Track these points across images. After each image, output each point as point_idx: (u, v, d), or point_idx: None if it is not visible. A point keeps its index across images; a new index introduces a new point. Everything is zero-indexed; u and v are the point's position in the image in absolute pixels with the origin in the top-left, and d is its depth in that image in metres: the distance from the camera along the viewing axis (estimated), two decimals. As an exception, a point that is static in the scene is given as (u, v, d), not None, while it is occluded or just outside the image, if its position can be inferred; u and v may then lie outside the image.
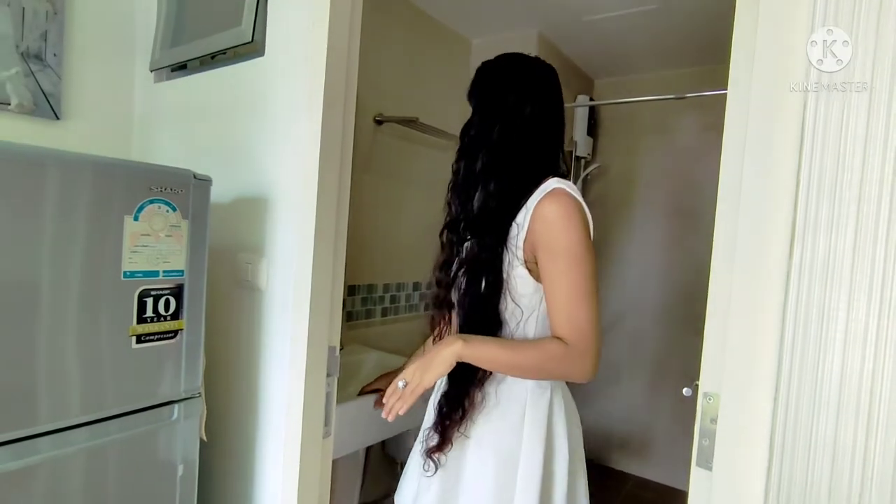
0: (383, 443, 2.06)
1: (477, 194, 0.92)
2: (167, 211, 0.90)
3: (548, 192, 0.84)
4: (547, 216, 0.82)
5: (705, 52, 2.24)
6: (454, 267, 0.96)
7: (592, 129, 2.77)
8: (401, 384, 0.86)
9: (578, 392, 1.12)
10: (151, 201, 0.88)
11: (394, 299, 2.23)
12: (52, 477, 0.79)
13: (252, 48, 1.14)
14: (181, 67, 1.36)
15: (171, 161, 1.34)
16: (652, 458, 2.74)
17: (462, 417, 0.90)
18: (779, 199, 0.50)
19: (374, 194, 2.05)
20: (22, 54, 1.23)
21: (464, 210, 0.95)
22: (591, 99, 2.76)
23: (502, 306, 0.88)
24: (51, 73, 1.27)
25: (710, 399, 0.68)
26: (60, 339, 0.79)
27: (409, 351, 2.22)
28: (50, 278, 0.77)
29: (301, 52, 1.03)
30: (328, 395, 1.08)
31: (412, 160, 2.21)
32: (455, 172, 0.98)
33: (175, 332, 0.92)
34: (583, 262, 0.81)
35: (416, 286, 2.34)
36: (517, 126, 0.90)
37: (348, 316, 2.02)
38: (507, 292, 0.88)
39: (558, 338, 0.81)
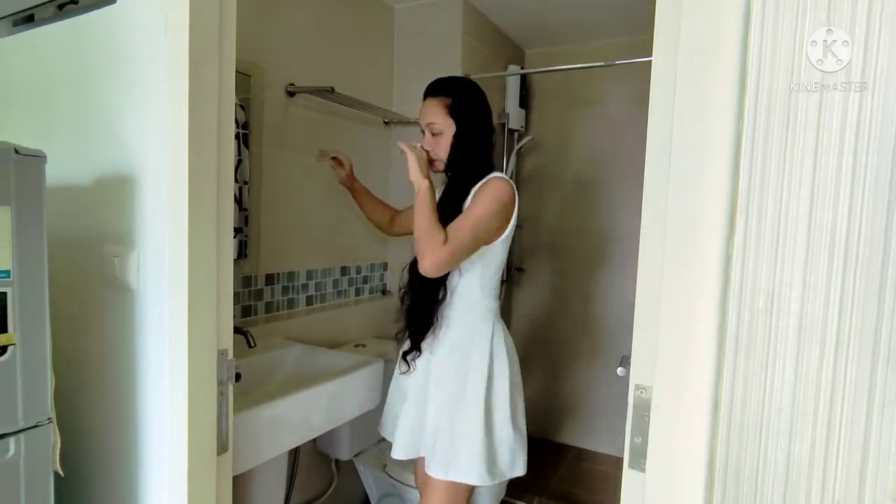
0: (314, 441, 1.92)
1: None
2: (-22, 197, 0.70)
3: (486, 180, 1.26)
4: (477, 192, 1.25)
5: (638, 21, 2.19)
6: None
7: (524, 100, 2.68)
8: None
9: (527, 367, 1.24)
10: (-49, 185, 0.68)
11: (319, 286, 2.07)
12: None
13: (103, -6, 0.93)
14: (28, 20, 1.12)
15: (21, 137, 1.11)
16: (594, 430, 2.76)
17: (426, 329, 1.30)
18: (716, 164, 0.41)
19: (289, 172, 1.86)
20: None
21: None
22: (522, 68, 2.66)
23: None
24: None
25: (642, 392, 0.59)
26: None
27: (339, 340, 2.08)
28: None
29: (158, 3, 0.84)
30: (221, 405, 0.93)
31: (331, 133, 2.03)
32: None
33: (3, 349, 0.74)
34: (483, 216, 1.20)
35: (344, 270, 2.19)
36: (482, 137, 1.33)
37: (267, 307, 1.84)
38: None
39: (444, 230, 1.19)
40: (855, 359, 0.34)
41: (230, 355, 0.95)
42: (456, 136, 1.26)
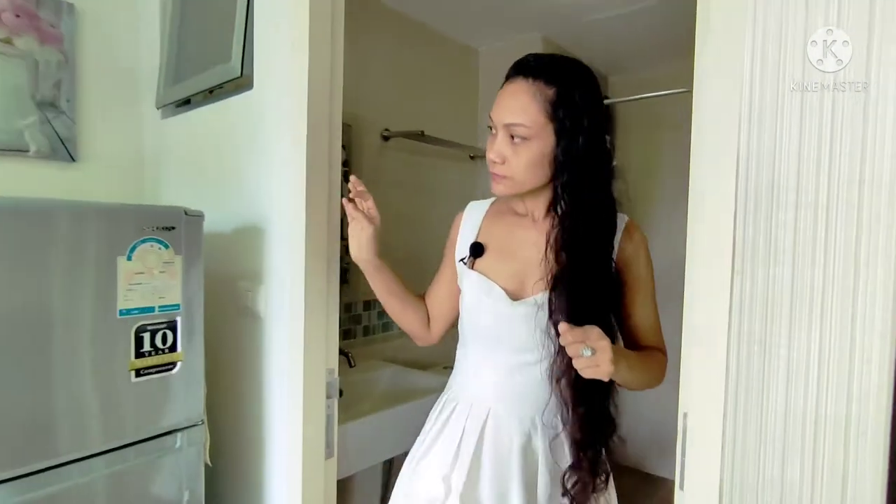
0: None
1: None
2: (160, 248, 0.94)
3: (625, 226, 0.90)
4: (640, 243, 0.90)
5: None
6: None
7: (608, 127, 2.71)
8: (587, 353, 0.71)
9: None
10: (143, 241, 0.92)
11: (412, 311, 2.24)
12: (62, 507, 0.84)
13: (242, 82, 1.18)
14: (186, 103, 1.41)
15: (179, 194, 1.40)
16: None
17: (605, 481, 0.89)
18: (722, 220, 0.48)
19: (385, 208, 2.07)
20: (38, 103, 1.31)
21: None
22: (606, 97, 2.70)
23: None
24: (65, 118, 1.35)
25: (685, 417, 0.66)
26: (61, 377, 0.84)
27: (425, 362, 2.23)
28: (51, 320, 0.82)
29: (284, 84, 1.06)
30: (328, 417, 1.10)
31: (420, 171, 2.23)
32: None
33: (173, 364, 0.96)
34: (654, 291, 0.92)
35: (433, 297, 2.35)
36: (603, 155, 0.87)
37: (364, 331, 2.05)
38: None
39: (657, 349, 0.91)
40: (834, 400, 0.39)
41: (336, 374, 1.12)
42: (566, 153, 0.81)
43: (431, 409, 1.04)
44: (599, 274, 0.82)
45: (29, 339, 0.80)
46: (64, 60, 1.35)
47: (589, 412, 0.83)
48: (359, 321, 2.03)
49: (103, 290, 0.87)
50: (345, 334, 1.97)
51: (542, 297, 0.84)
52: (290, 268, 1.06)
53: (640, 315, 0.89)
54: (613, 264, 0.85)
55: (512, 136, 0.82)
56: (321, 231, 1.06)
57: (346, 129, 1.91)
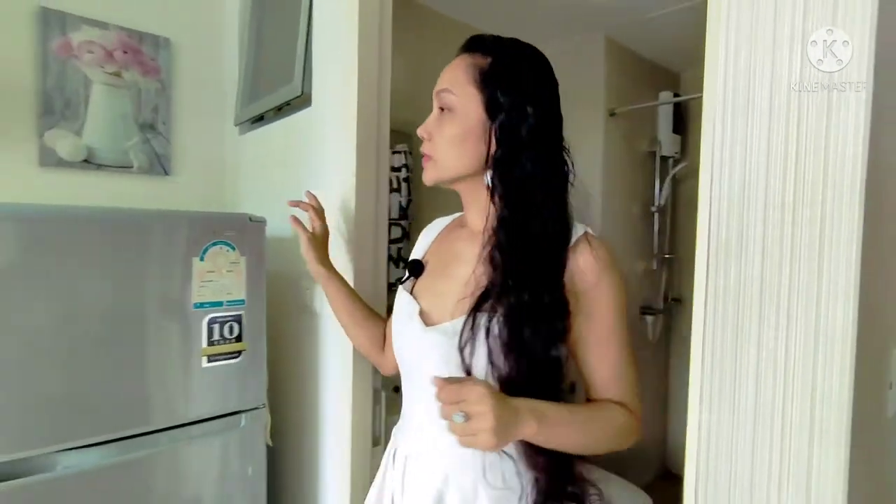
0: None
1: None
2: (227, 250, 1.07)
3: (581, 237, 0.69)
4: (601, 262, 0.67)
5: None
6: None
7: (679, 125, 2.60)
8: (458, 419, 0.56)
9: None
10: (214, 244, 1.05)
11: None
12: (144, 474, 0.99)
13: (303, 100, 1.30)
14: (259, 119, 1.58)
15: (251, 202, 1.56)
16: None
17: None
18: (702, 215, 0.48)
19: (445, 210, 2.15)
20: (140, 126, 1.53)
21: None
22: (677, 94, 2.59)
23: None
24: (161, 138, 1.56)
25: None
26: (151, 360, 0.98)
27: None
28: (142, 311, 0.97)
29: (337, 101, 1.16)
30: (375, 408, 1.18)
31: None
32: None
33: (239, 353, 1.09)
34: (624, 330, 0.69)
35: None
36: (552, 144, 0.72)
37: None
38: None
39: (616, 403, 0.68)
40: (800, 394, 0.38)
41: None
42: (497, 134, 0.69)
43: None
44: (535, 296, 0.62)
45: (126, 327, 0.96)
46: (161, 88, 1.56)
47: (547, 472, 0.66)
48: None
49: (181, 286, 1.02)
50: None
51: (459, 322, 0.68)
52: (341, 268, 1.16)
53: (592, 360, 0.68)
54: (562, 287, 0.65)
55: (441, 109, 0.74)
56: (368, 235, 1.15)
57: (407, 138, 2.01)
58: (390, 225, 1.95)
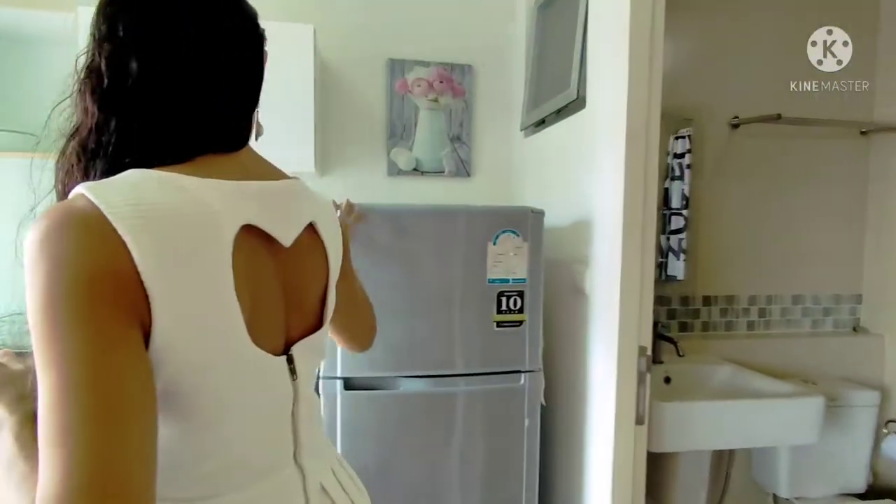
0: (750, 469, 1.93)
1: None
2: (514, 237, 1.30)
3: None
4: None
5: None
6: None
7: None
8: None
9: None
10: (504, 231, 1.29)
11: (763, 312, 2.06)
12: (448, 406, 1.30)
13: (578, 104, 1.43)
14: (541, 123, 1.79)
15: (532, 196, 1.78)
16: None
17: None
18: None
19: (731, 199, 1.98)
20: (450, 138, 1.92)
21: None
22: None
23: None
24: (465, 147, 1.93)
25: None
26: (456, 321, 1.29)
27: (782, 371, 1.99)
28: (448, 284, 1.28)
29: (608, 103, 1.26)
30: (640, 387, 1.24)
31: (781, 157, 2.00)
32: None
33: (520, 322, 1.31)
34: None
35: (796, 299, 2.08)
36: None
37: (703, 326, 2.02)
38: None
39: None
40: None
41: (648, 352, 1.25)
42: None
43: None
44: None
45: (446, 294, 1.28)
46: (465, 106, 1.92)
47: None
48: (696, 315, 2.02)
49: (480, 265, 1.29)
50: (681, 327, 2.00)
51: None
52: (608, 253, 1.26)
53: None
54: None
55: None
56: (636, 226, 1.21)
57: (686, 122, 1.93)
58: (671, 215, 1.92)
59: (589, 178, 1.38)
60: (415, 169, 1.91)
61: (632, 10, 1.17)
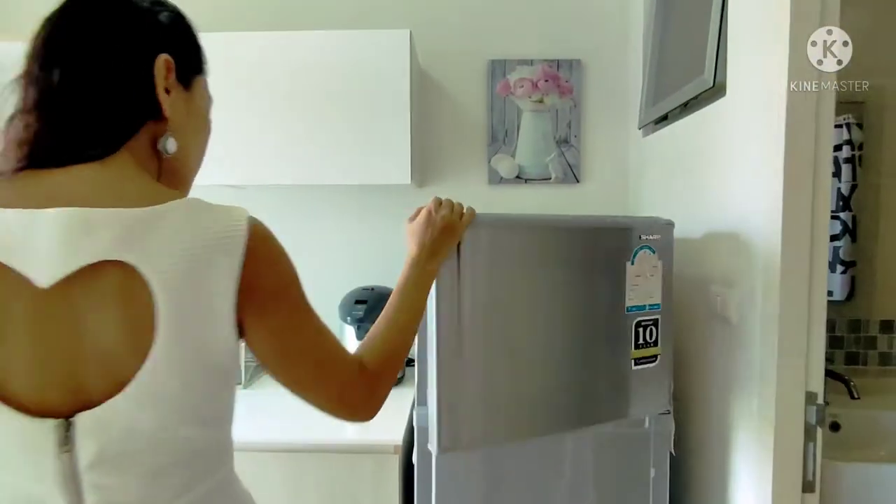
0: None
1: None
2: (650, 254, 1.09)
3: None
4: None
5: None
6: None
7: None
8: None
9: None
10: (641, 248, 1.08)
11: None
12: (560, 453, 1.12)
13: (716, 91, 1.19)
14: (663, 119, 1.55)
15: (654, 204, 1.55)
16: None
17: None
18: None
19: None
20: (556, 141, 1.75)
21: None
22: None
23: None
24: (573, 150, 1.74)
25: None
26: (591, 363, 1.05)
27: None
28: (580, 316, 1.05)
29: (757, 86, 1.01)
30: (808, 445, 0.97)
31: None
32: None
33: (655, 357, 1.09)
34: None
35: None
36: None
37: (882, 359, 1.62)
38: None
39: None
40: None
41: (820, 399, 0.97)
42: None
43: None
44: None
45: (576, 334, 1.04)
46: (573, 105, 1.74)
47: None
48: (872, 345, 1.63)
49: (616, 290, 1.05)
50: (849, 359, 1.62)
51: None
52: (762, 273, 1.01)
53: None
54: None
55: None
56: (800, 237, 0.95)
57: (857, 107, 1.58)
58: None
59: (729, 180, 1.13)
60: (518, 176, 1.76)
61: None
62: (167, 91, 0.58)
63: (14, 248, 0.48)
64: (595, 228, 1.07)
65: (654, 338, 1.07)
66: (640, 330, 1.06)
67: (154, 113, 0.58)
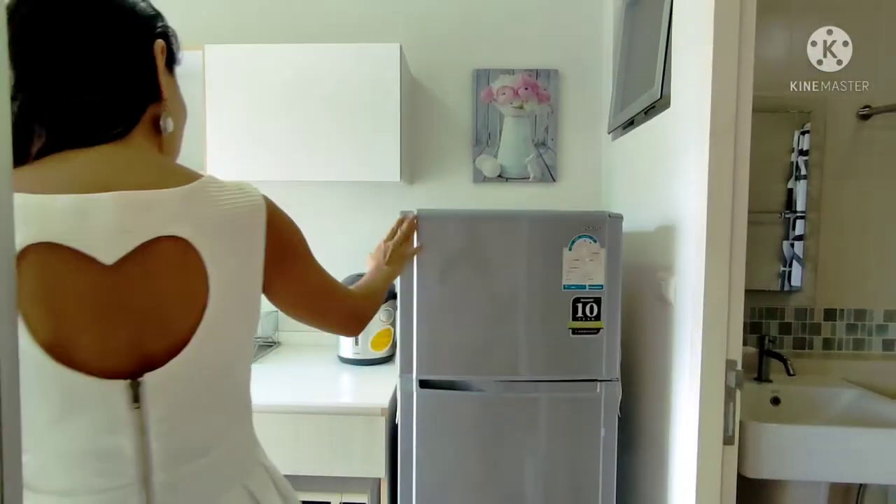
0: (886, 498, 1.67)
1: None
2: (590, 242, 1.27)
3: None
4: None
5: None
6: None
7: None
8: None
9: None
10: (580, 237, 1.27)
11: (904, 330, 1.77)
12: (521, 410, 1.30)
13: (663, 103, 1.36)
14: (629, 125, 1.72)
15: (619, 200, 1.72)
16: None
17: None
18: None
19: (860, 201, 1.74)
20: (535, 144, 1.92)
21: None
22: None
23: None
24: (550, 152, 1.92)
25: None
26: (530, 326, 1.29)
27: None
28: (522, 289, 1.29)
29: (691, 100, 1.19)
30: (727, 404, 1.15)
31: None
32: None
33: (597, 330, 1.28)
34: None
35: (948, 316, 1.77)
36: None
37: (825, 343, 1.79)
38: None
39: None
40: None
41: (738, 366, 1.15)
42: None
43: None
44: None
45: (516, 302, 1.29)
46: (551, 111, 1.91)
47: None
48: (817, 331, 1.80)
49: (554, 271, 1.27)
50: (795, 343, 1.79)
51: None
52: (695, 263, 1.18)
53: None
54: None
55: None
56: (722, 231, 1.13)
57: (805, 116, 1.74)
58: (795, 219, 1.74)
59: (673, 181, 1.31)
60: (500, 175, 1.94)
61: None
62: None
63: (75, 232, 0.52)
64: (535, 220, 1.29)
65: (595, 313, 1.26)
66: (580, 305, 1.25)
67: (155, 94, 0.63)
